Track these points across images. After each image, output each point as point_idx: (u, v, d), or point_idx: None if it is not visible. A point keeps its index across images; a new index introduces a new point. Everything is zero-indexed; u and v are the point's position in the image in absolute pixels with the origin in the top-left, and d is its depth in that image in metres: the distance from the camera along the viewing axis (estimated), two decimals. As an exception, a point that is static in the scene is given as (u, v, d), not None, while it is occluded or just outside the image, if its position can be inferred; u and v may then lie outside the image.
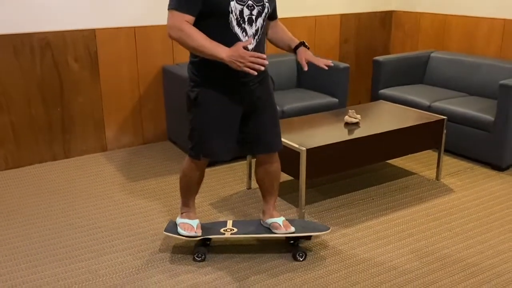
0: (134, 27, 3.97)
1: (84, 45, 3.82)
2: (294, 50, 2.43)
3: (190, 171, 2.52)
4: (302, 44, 2.42)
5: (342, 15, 4.93)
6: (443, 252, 2.67)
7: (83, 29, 3.79)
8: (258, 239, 2.76)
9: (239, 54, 2.08)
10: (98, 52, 3.88)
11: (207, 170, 2.84)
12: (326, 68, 2.34)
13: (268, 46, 2.47)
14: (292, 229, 2.58)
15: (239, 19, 2.19)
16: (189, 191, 2.59)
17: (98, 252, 2.67)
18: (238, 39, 2.21)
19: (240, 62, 2.08)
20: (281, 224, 2.58)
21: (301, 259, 2.58)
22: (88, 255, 2.65)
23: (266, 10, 2.27)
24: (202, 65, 2.29)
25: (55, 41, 3.71)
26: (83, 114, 3.96)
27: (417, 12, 5.03)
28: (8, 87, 3.64)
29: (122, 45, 3.96)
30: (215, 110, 2.33)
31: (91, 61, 3.88)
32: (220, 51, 2.12)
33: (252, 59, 2.07)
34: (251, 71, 2.09)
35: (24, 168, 3.80)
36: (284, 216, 2.70)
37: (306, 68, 2.30)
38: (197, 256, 2.58)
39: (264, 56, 2.10)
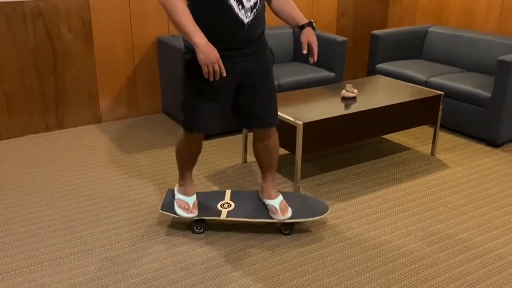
0: (129, -3, 3.90)
1: (77, 14, 3.75)
2: (301, 28, 2.34)
3: (185, 144, 2.49)
4: (310, 24, 2.34)
5: (340, -12, 4.86)
6: (437, 227, 2.69)
7: (77, -3, 3.72)
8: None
9: (213, 53, 2.08)
10: (91, 22, 3.81)
11: (203, 142, 2.83)
12: (310, 61, 2.35)
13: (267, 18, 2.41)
14: (289, 214, 2.54)
15: None
16: (185, 163, 2.57)
17: (93, 224, 2.67)
18: (232, 11, 2.15)
19: (205, 58, 2.07)
20: (277, 207, 2.55)
21: (286, 232, 2.59)
22: (83, 226, 2.65)
23: None
24: None
25: (48, 10, 3.64)
26: (76, 85, 3.91)
27: (416, -14, 4.96)
28: (1, 56, 3.57)
29: (117, 15, 3.89)
30: (206, 80, 2.26)
31: (85, 31, 3.82)
32: (197, 35, 2.08)
33: (215, 66, 2.09)
34: (205, 71, 2.10)
35: (18, 138, 3.77)
36: (280, 191, 2.70)
37: (305, 51, 2.29)
38: (196, 228, 2.59)
39: (224, 73, 2.12)
